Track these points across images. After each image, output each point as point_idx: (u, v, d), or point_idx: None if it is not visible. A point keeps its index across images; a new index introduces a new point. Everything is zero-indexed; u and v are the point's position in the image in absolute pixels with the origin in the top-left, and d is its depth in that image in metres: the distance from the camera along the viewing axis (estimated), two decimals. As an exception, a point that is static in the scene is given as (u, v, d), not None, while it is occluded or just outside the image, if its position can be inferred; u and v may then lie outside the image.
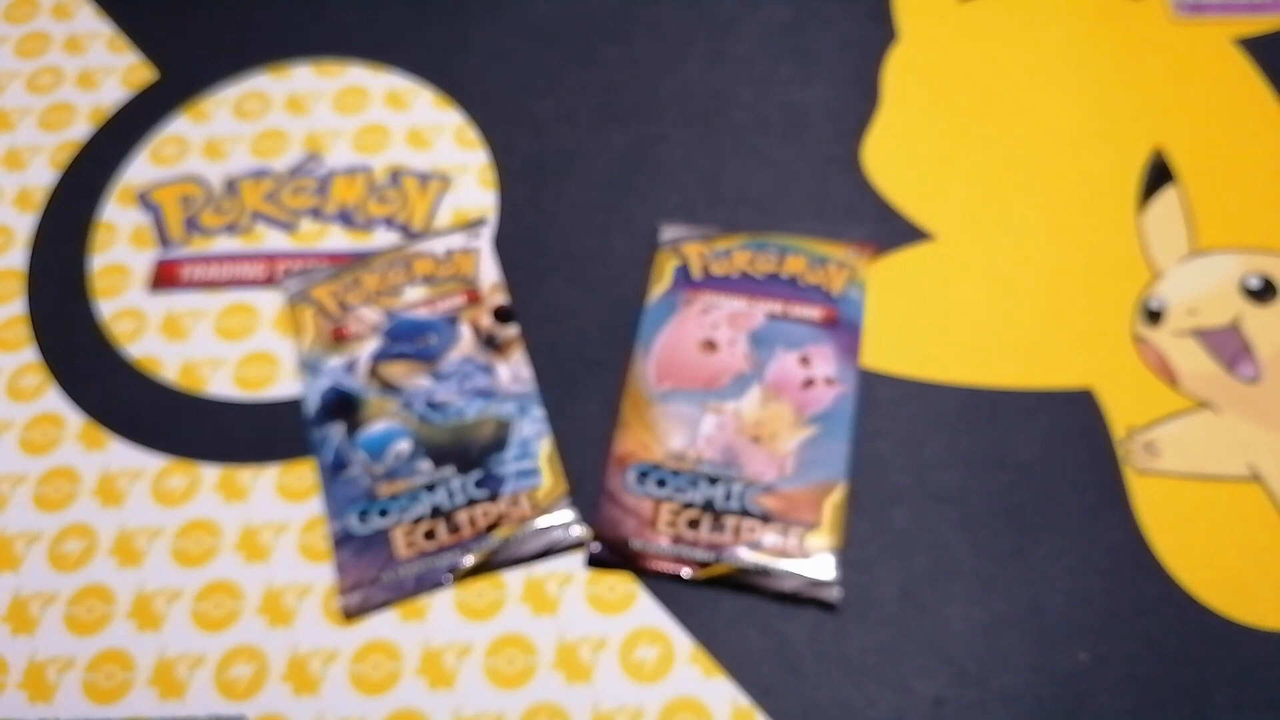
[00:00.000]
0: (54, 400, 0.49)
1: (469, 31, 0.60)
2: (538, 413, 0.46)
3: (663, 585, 0.44)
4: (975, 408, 0.47)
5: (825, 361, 0.47)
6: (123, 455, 0.47)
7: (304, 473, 0.47)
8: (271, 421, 0.48)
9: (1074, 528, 0.44)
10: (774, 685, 0.42)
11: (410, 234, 0.53)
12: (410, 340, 0.46)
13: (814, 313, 0.48)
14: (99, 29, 0.62)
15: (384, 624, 0.43)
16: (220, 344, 0.50)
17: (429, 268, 0.50)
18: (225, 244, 0.54)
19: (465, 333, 0.47)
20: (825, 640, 0.42)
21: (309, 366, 0.48)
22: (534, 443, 0.45)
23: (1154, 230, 0.52)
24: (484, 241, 0.51)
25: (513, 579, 0.44)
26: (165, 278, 0.53)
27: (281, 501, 0.46)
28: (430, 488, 0.44)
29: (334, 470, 0.45)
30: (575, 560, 0.44)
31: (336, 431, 0.45)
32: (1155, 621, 0.42)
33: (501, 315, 0.48)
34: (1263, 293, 0.50)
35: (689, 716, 0.41)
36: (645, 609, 0.43)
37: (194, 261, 0.53)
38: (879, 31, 0.59)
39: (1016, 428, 0.47)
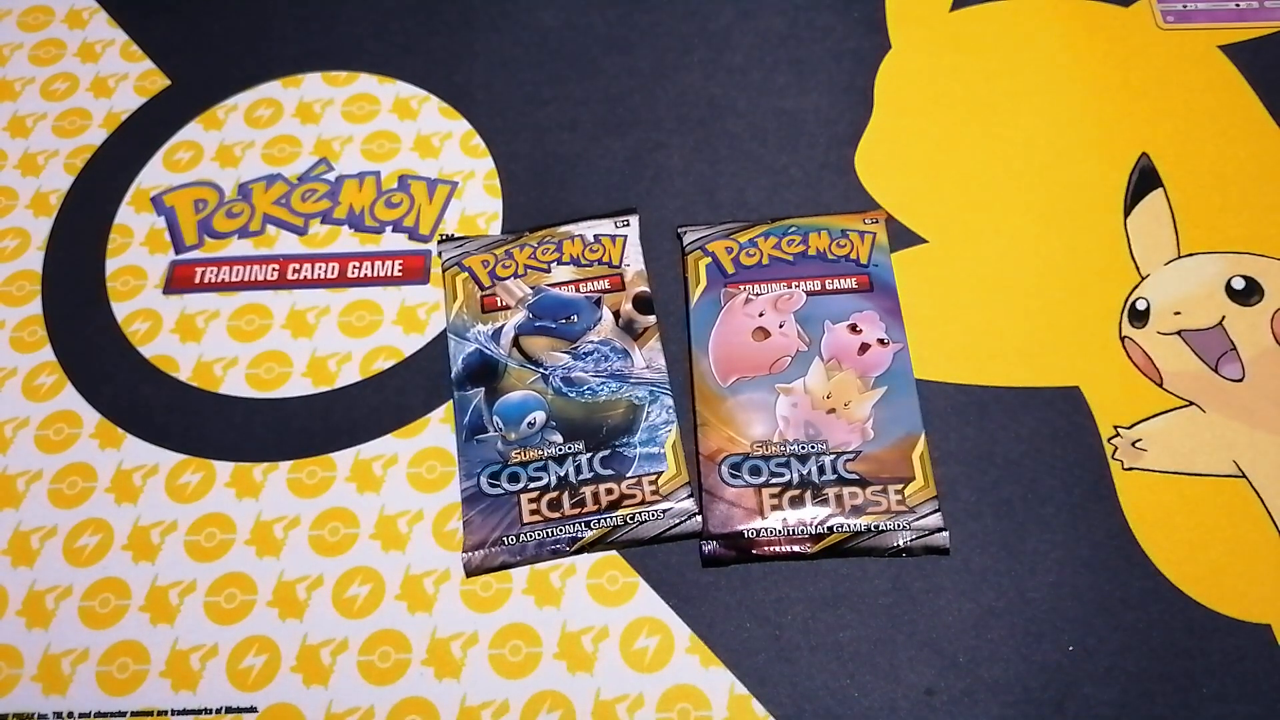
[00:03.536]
0: (70, 398, 0.50)
1: (474, 43, 0.61)
2: (667, 401, 0.47)
3: (666, 579, 0.45)
4: (965, 405, 0.48)
5: (873, 325, 0.48)
6: (137, 452, 0.48)
7: (315, 469, 0.48)
8: (283, 419, 0.49)
9: (1061, 523, 0.45)
10: (769, 674, 0.42)
11: (417, 238, 0.55)
12: (553, 317, 0.48)
13: (850, 282, 0.50)
14: (112, 37, 0.63)
15: (391, 615, 0.44)
16: (233, 344, 0.52)
17: (577, 250, 0.51)
18: (237, 247, 0.55)
19: (606, 316, 0.49)
20: (819, 631, 0.43)
21: (457, 330, 0.49)
22: (661, 430, 0.46)
23: (1141, 233, 0.53)
24: (631, 231, 0.52)
25: (517, 571, 0.45)
26: (179, 280, 0.54)
27: (293, 497, 0.47)
28: (559, 460, 0.46)
29: (470, 432, 0.47)
30: (574, 554, 0.45)
31: (476, 395, 0.47)
32: (1141, 614, 0.43)
33: (641, 304, 0.49)
34: (1247, 294, 0.50)
35: (687, 704, 0.42)
36: (646, 600, 0.44)
37: (207, 264, 0.54)
38: (872, 41, 0.60)
39: (1006, 425, 0.48)
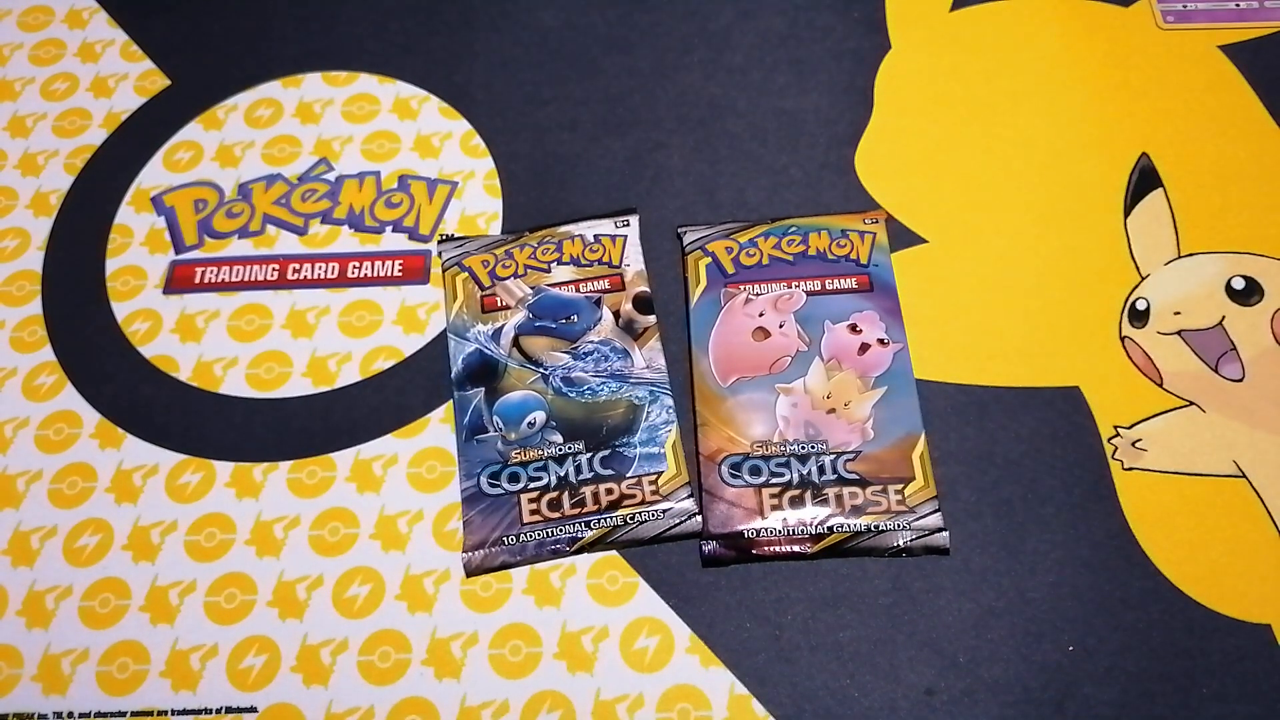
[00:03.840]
0: (70, 399, 0.50)
1: (474, 43, 0.61)
2: (667, 401, 0.47)
3: (666, 579, 0.45)
4: (965, 405, 0.48)
5: (873, 325, 0.48)
6: (137, 452, 0.49)
7: (315, 469, 0.48)
8: (283, 419, 0.49)
9: (1061, 522, 0.45)
10: (769, 674, 0.43)
11: (417, 238, 0.55)
12: (553, 317, 0.48)
13: (850, 282, 0.50)
14: (112, 37, 0.63)
15: (391, 615, 0.44)
16: (233, 344, 0.52)
17: (577, 250, 0.51)
18: (237, 247, 0.55)
19: (606, 316, 0.49)
20: (819, 631, 0.43)
21: (457, 330, 0.49)
22: (661, 430, 0.46)
23: (1141, 233, 0.53)
24: (631, 231, 0.52)
25: (517, 571, 0.45)
26: (179, 280, 0.54)
27: (293, 497, 0.47)
28: (559, 460, 0.46)
29: (470, 432, 0.47)
30: (575, 554, 0.45)
31: (476, 395, 0.47)
32: (1141, 614, 0.43)
33: (641, 304, 0.49)
34: (1247, 294, 0.51)
35: (687, 704, 0.42)
36: (646, 600, 0.44)
37: (207, 264, 0.54)
38: (872, 41, 0.60)
39: (1006, 425, 0.48)
